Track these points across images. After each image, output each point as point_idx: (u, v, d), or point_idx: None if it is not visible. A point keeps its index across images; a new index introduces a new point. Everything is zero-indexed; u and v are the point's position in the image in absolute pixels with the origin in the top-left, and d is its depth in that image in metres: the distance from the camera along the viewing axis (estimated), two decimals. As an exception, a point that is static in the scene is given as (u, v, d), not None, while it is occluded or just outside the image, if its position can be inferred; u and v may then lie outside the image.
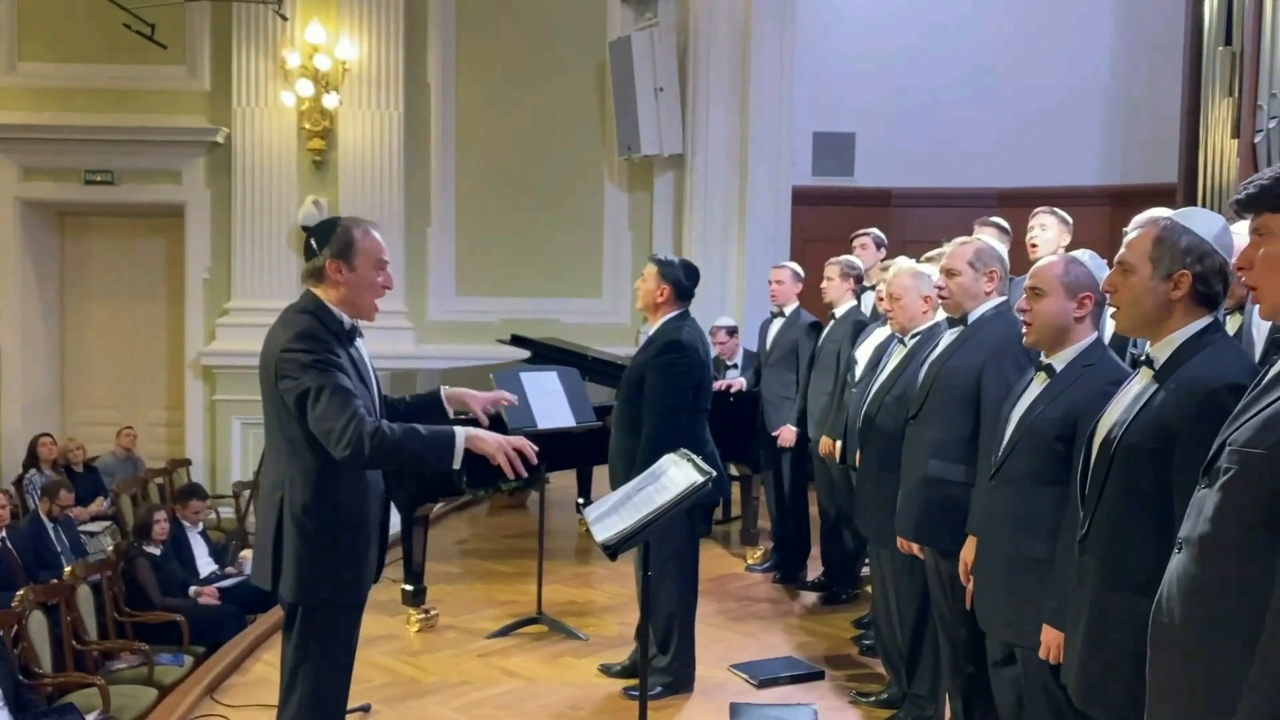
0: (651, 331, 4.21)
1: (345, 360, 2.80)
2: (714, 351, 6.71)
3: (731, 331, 6.77)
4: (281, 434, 2.84)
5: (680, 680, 4.25)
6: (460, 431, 2.76)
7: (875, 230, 6.02)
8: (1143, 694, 1.92)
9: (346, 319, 2.88)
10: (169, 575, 6.24)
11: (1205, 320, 2.13)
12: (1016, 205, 7.27)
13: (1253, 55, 6.95)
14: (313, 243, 2.89)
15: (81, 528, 7.42)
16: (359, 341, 2.94)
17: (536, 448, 2.85)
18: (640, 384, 4.12)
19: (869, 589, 5.00)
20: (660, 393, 4.08)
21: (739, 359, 6.72)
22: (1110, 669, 2.11)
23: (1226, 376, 1.99)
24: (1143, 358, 2.18)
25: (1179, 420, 2.01)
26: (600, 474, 5.73)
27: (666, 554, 4.10)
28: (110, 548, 6.52)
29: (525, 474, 2.82)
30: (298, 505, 2.81)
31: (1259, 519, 1.61)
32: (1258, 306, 1.76)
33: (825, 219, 8.94)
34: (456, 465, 2.77)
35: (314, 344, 2.76)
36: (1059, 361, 2.69)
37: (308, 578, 2.81)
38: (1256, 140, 6.87)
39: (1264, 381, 1.73)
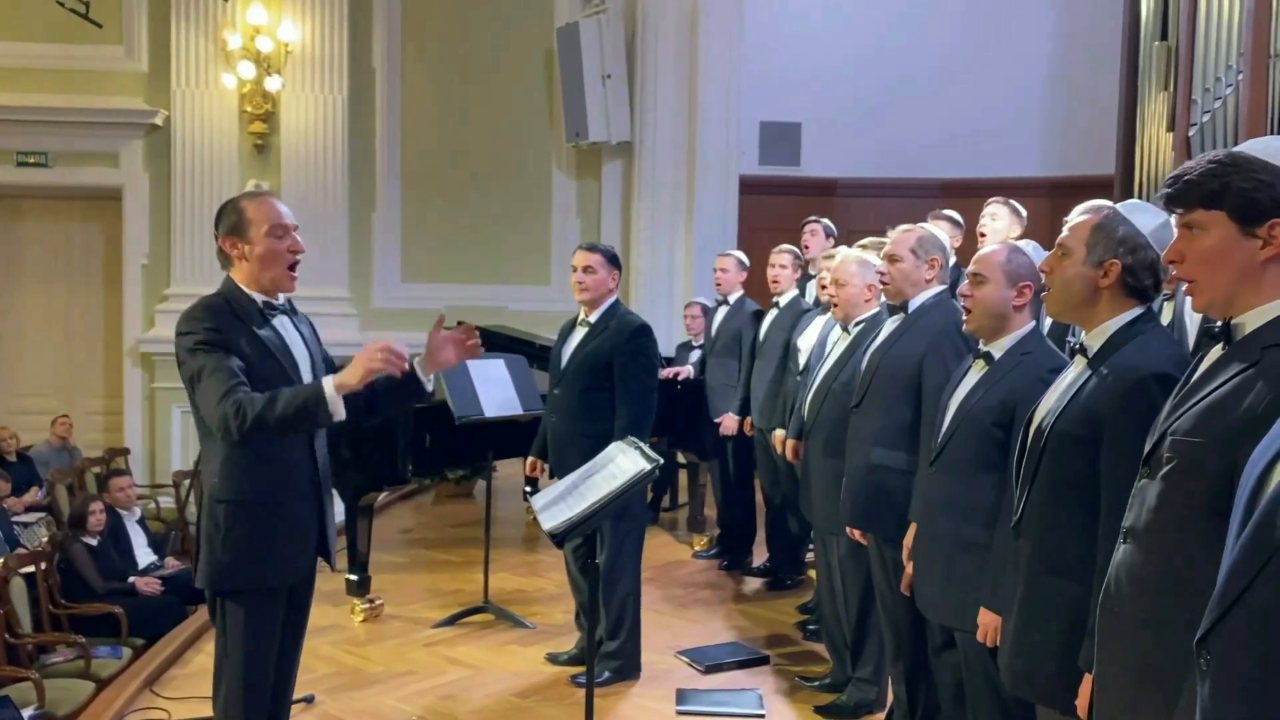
0: (593, 319, 4.21)
1: (245, 340, 2.74)
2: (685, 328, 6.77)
3: (706, 309, 6.80)
4: (196, 420, 2.82)
5: (628, 666, 4.27)
6: (327, 380, 2.68)
7: (826, 220, 6.08)
8: (1072, 677, 1.96)
9: (260, 297, 2.82)
10: (107, 566, 6.12)
11: (1137, 310, 2.16)
12: (959, 196, 7.39)
13: (1187, 50, 7.10)
14: (214, 227, 2.85)
15: (15, 519, 7.24)
16: (283, 321, 2.87)
17: (403, 350, 2.72)
18: (607, 370, 4.12)
19: (813, 574, 5.06)
20: (639, 376, 4.14)
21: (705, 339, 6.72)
22: (1041, 652, 2.14)
23: (1154, 366, 2.03)
24: (1077, 346, 2.23)
25: (1106, 408, 2.05)
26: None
27: (624, 533, 4.13)
28: (45, 538, 6.38)
29: (404, 367, 2.72)
30: (209, 490, 2.79)
31: (1203, 507, 1.63)
32: (1189, 299, 1.77)
33: (772, 208, 9.00)
34: (340, 416, 2.67)
35: (197, 325, 2.71)
36: (997, 349, 2.73)
37: (216, 565, 2.78)
38: (1191, 134, 7.03)
39: (1199, 371, 1.75)
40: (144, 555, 6.60)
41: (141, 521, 6.90)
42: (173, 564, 6.62)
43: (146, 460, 9.01)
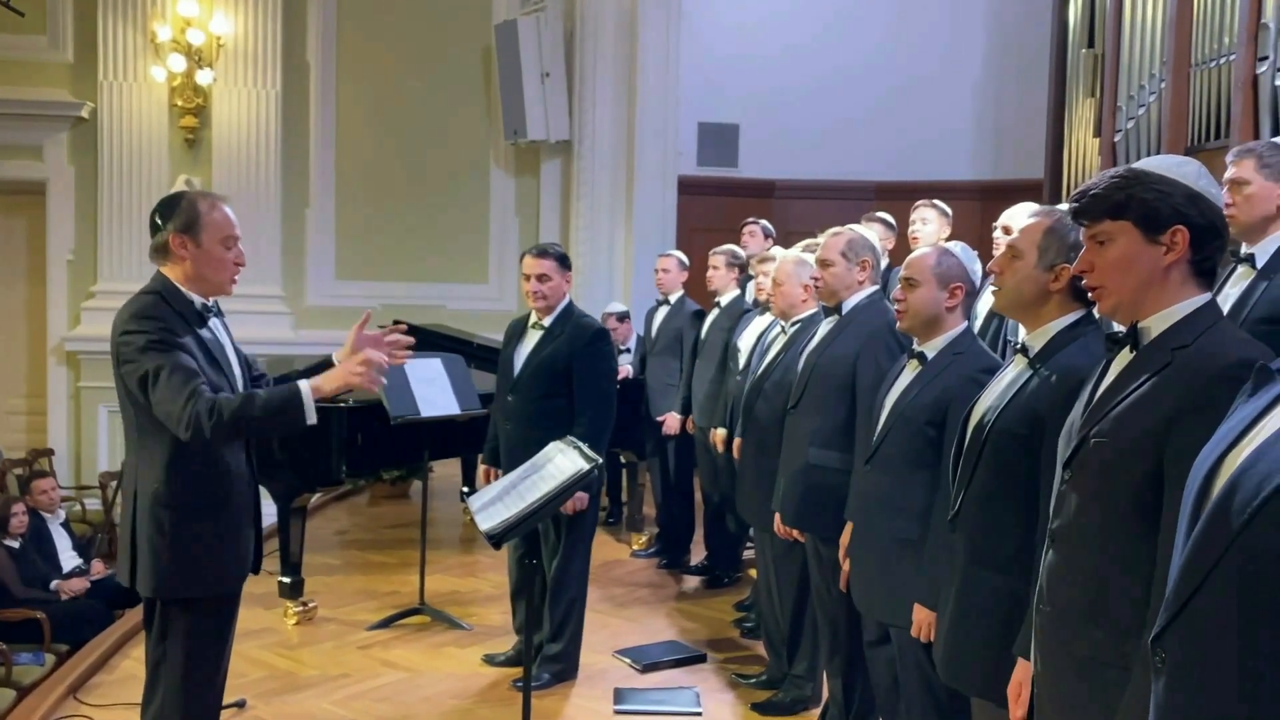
0: (548, 322, 4.19)
1: (191, 341, 2.69)
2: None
3: (622, 317, 6.81)
4: (130, 420, 2.75)
5: (568, 669, 4.26)
6: (304, 384, 2.65)
7: (764, 221, 6.16)
8: (1004, 668, 2.00)
9: (198, 298, 2.76)
10: (30, 570, 5.95)
11: (1080, 312, 2.21)
12: (893, 198, 7.50)
13: (1113, 58, 7.27)
14: (157, 218, 2.76)
15: (-68, 522, 7.01)
16: (215, 322, 2.82)
17: (385, 357, 2.72)
18: (565, 376, 4.09)
19: (751, 572, 5.10)
20: (600, 382, 4.13)
21: (631, 344, 6.77)
22: (973, 642, 2.19)
23: (1094, 367, 2.08)
24: (1018, 346, 2.27)
25: (1047, 407, 2.09)
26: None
27: (575, 541, 4.12)
28: (-37, 543, 6.18)
29: (384, 381, 2.72)
30: (149, 495, 2.71)
31: (1128, 507, 1.69)
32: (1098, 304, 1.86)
33: (710, 209, 9.05)
34: (311, 420, 2.65)
35: (150, 324, 2.65)
36: (930, 349, 2.78)
37: (163, 572, 2.71)
38: (1116, 140, 7.20)
39: (1110, 375, 1.81)
40: (68, 559, 6.42)
41: (66, 524, 6.72)
42: (99, 568, 6.46)
43: (72, 461, 8.78)
